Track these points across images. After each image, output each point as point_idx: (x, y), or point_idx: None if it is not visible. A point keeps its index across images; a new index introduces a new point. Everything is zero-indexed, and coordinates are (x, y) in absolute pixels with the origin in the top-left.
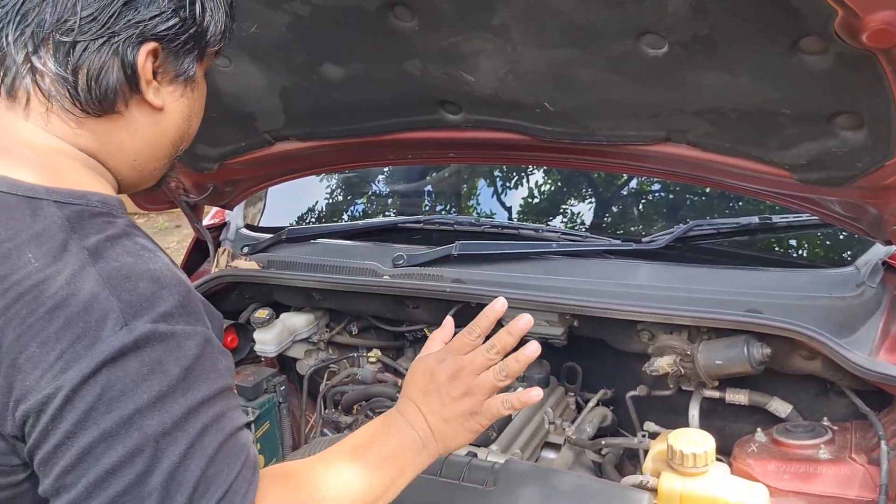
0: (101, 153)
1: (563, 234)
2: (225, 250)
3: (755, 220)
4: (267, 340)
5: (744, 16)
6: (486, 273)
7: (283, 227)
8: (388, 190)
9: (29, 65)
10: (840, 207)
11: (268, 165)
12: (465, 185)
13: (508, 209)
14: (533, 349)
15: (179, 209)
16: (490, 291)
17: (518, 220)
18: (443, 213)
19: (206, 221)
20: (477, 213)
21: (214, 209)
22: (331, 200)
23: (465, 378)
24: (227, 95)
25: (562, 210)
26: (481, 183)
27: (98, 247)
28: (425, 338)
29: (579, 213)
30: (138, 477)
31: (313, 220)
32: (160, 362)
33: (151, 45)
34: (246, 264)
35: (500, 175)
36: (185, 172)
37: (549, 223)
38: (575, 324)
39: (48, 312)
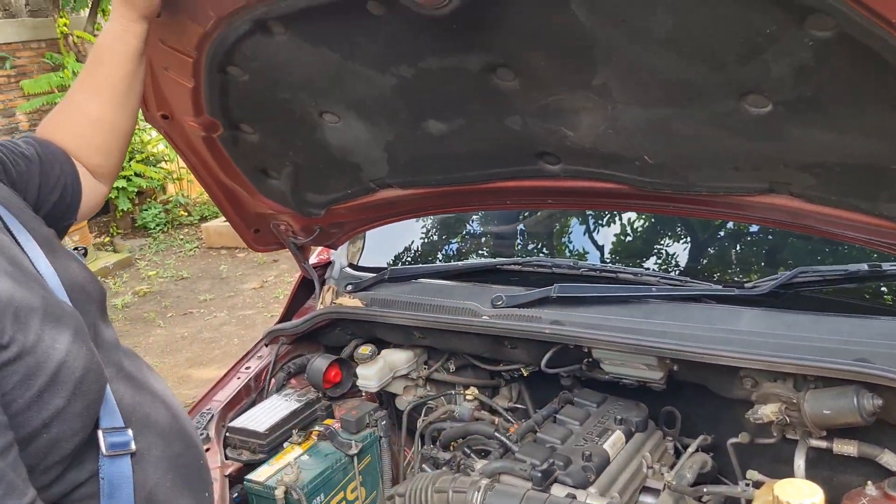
0: None
1: (663, 278)
2: (330, 288)
3: (864, 267)
4: (369, 376)
5: (849, 78)
6: (585, 315)
7: (383, 266)
8: (482, 230)
9: None
10: None
11: (371, 210)
12: (557, 224)
13: (601, 248)
14: None
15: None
16: (589, 334)
17: (612, 260)
18: (536, 251)
19: (312, 260)
20: (569, 251)
21: (319, 248)
22: (426, 240)
23: None
24: (335, 148)
25: (656, 251)
26: (574, 222)
27: None
28: (522, 377)
29: (674, 254)
30: None
31: (410, 259)
32: None
33: None
34: (350, 302)
35: (593, 213)
36: (293, 217)
37: (644, 264)
38: (675, 368)
39: None
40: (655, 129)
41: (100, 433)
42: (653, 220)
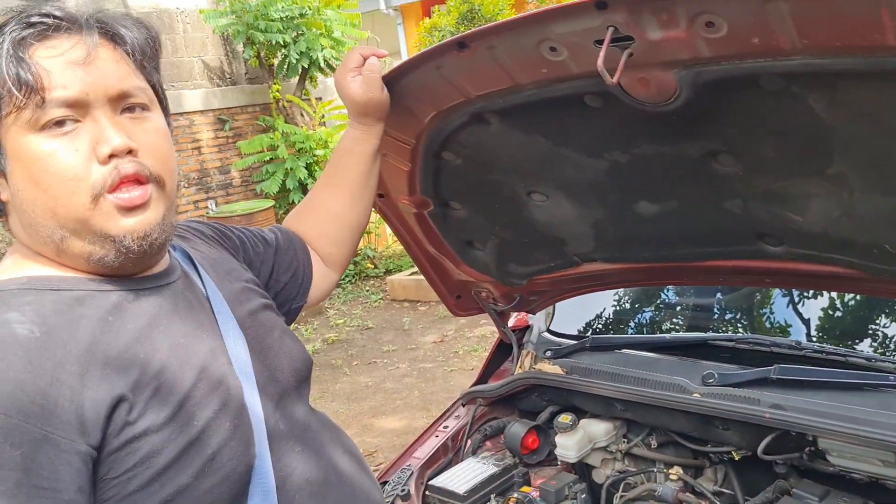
0: (26, 244)
1: None
2: (529, 353)
3: None
4: (568, 446)
5: None
6: (810, 401)
7: (575, 333)
8: (678, 301)
9: None
10: None
11: (573, 281)
12: (758, 295)
13: (807, 323)
14: None
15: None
16: (815, 422)
17: (819, 339)
18: (734, 322)
19: (510, 323)
20: (771, 324)
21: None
22: (619, 307)
23: None
24: (541, 224)
25: (873, 331)
26: (776, 293)
27: None
28: (732, 460)
29: (894, 336)
30: None
31: (601, 326)
32: None
33: None
34: (550, 368)
35: (807, 295)
36: (495, 285)
37: (859, 346)
38: None
39: None
40: None
41: None
42: (881, 305)
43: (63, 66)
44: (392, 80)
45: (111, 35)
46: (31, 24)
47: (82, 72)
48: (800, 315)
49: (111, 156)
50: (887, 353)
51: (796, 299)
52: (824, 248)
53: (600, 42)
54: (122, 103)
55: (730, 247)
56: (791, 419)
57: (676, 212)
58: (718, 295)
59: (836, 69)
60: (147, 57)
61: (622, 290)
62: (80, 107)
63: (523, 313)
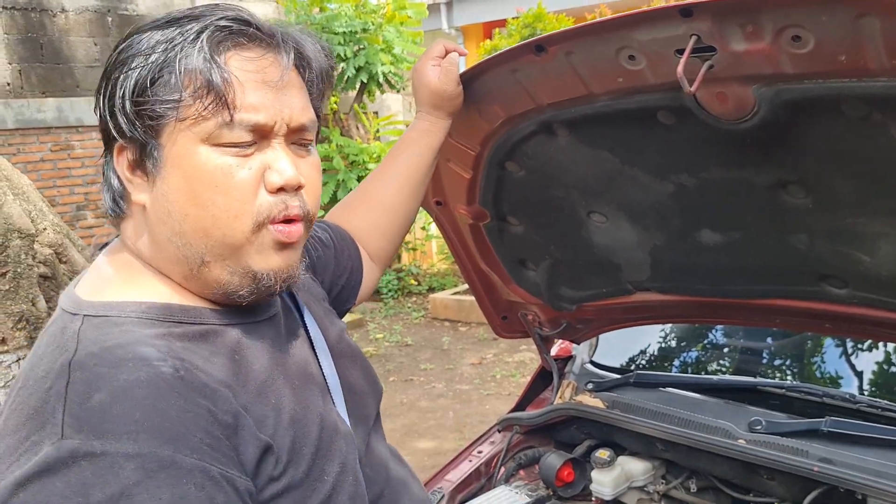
0: (142, 257)
1: None
2: (570, 384)
3: None
4: (605, 482)
5: None
6: (861, 457)
7: (618, 366)
8: (727, 342)
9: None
10: None
11: (623, 311)
12: (809, 343)
13: (860, 375)
14: None
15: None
16: (866, 479)
17: (871, 392)
18: (783, 368)
19: (553, 351)
20: (821, 373)
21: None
22: (665, 345)
23: None
24: (598, 247)
25: None
26: (828, 342)
27: (85, 357)
28: None
29: None
30: None
31: (645, 362)
32: (84, 486)
33: (120, 142)
34: (591, 401)
35: (862, 348)
36: (542, 308)
37: None
38: None
39: (14, 413)
40: None
41: None
42: None
43: (256, 84)
44: (467, 79)
45: (300, 58)
46: (229, 28)
47: (273, 96)
48: (853, 367)
49: (280, 188)
50: None
51: (850, 350)
52: (891, 294)
53: (681, 52)
54: (296, 136)
55: (791, 286)
56: (841, 475)
57: (738, 244)
58: (769, 339)
59: None
60: (324, 88)
61: (669, 326)
62: (262, 132)
63: (566, 342)
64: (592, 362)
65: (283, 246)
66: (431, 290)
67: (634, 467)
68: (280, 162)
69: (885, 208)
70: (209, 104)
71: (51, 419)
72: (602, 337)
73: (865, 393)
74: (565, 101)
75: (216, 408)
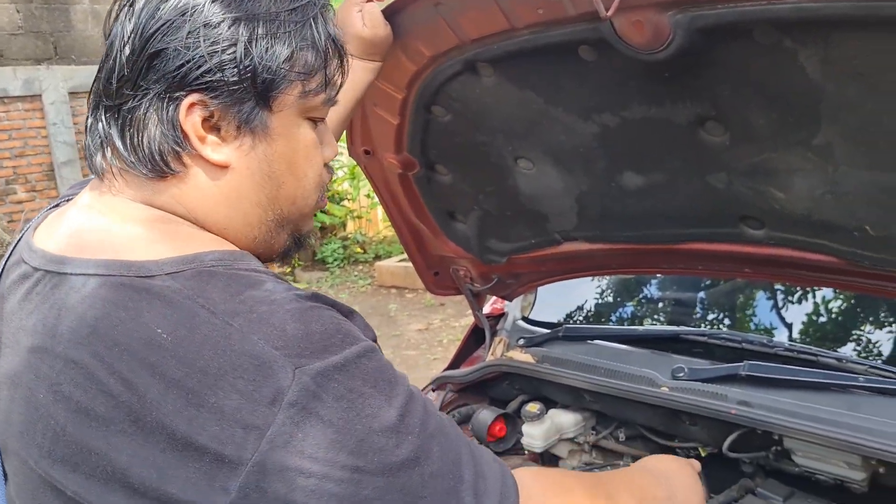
0: (191, 216)
1: (873, 367)
2: (501, 340)
3: None
4: (535, 435)
5: None
6: (777, 399)
7: (555, 322)
8: (659, 296)
9: (98, 137)
10: None
11: (552, 263)
12: (741, 296)
13: (789, 328)
14: None
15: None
16: (781, 420)
17: (802, 341)
18: (717, 323)
19: (485, 310)
20: (755, 325)
21: (493, 298)
22: (600, 300)
23: None
24: (525, 196)
25: (857, 336)
26: (761, 295)
27: (222, 305)
28: (698, 456)
29: (878, 342)
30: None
31: (581, 318)
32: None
33: (193, 97)
34: (521, 356)
35: (783, 288)
36: (473, 263)
37: (841, 350)
38: (881, 470)
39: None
40: (884, 197)
41: None
42: (853, 300)
43: None
44: (389, 15)
45: None
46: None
47: None
48: (773, 313)
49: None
50: (859, 355)
51: (769, 297)
52: (806, 232)
53: None
54: None
55: (711, 228)
56: (757, 416)
57: (660, 187)
58: (694, 291)
59: (828, 14)
60: None
61: (602, 282)
62: None
63: (500, 301)
64: (524, 318)
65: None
66: (378, 257)
67: (564, 419)
68: (329, 136)
69: (799, 141)
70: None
71: (256, 360)
72: (538, 296)
73: (784, 338)
74: (488, 36)
75: None
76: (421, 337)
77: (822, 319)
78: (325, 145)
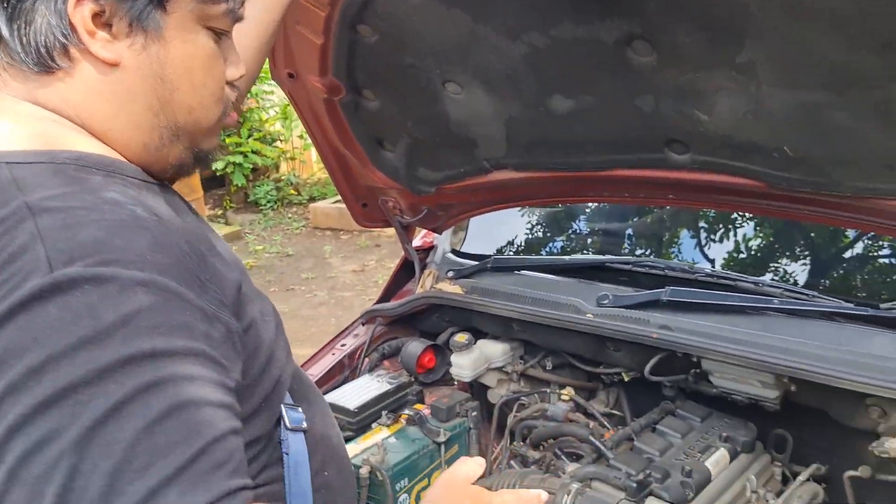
0: (77, 117)
1: (787, 290)
2: (431, 272)
3: None
4: (464, 365)
5: None
6: (697, 323)
7: (485, 255)
8: (588, 229)
9: None
10: None
11: (481, 192)
12: (667, 232)
13: (712, 262)
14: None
15: (382, 231)
16: (700, 342)
17: (717, 265)
18: (643, 255)
19: (415, 243)
20: (679, 258)
21: (423, 232)
22: (531, 235)
23: None
24: (454, 122)
25: (775, 267)
26: (685, 232)
27: (43, 202)
28: (621, 382)
29: (793, 272)
30: (46, 436)
31: (512, 251)
32: (91, 307)
33: None
34: (450, 288)
35: (706, 226)
36: (402, 193)
37: (762, 276)
38: (792, 388)
39: None
40: (803, 117)
41: (282, 408)
42: (772, 236)
43: None
44: None
45: None
46: None
47: None
48: (700, 245)
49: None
50: (776, 279)
51: (698, 231)
52: (728, 155)
53: None
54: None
55: (637, 153)
56: (677, 340)
57: (589, 110)
58: (626, 225)
59: None
60: None
61: (532, 217)
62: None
63: (430, 234)
64: (454, 251)
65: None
66: (312, 199)
67: (493, 349)
68: (234, 54)
69: (724, 60)
70: None
71: (26, 256)
72: (470, 230)
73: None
74: None
75: (196, 251)
76: (356, 278)
77: (742, 249)
78: (229, 63)
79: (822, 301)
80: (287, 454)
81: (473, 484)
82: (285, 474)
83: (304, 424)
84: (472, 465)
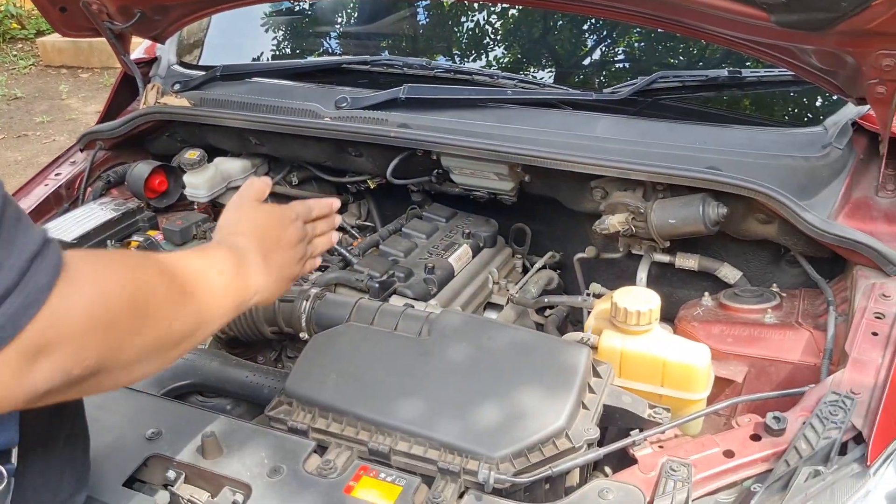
0: None
1: (520, 81)
2: (154, 86)
3: (724, 73)
4: (198, 184)
5: None
6: (435, 119)
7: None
8: (335, 32)
9: None
10: (816, 59)
11: None
12: (416, 31)
13: (457, 57)
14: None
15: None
16: (438, 137)
17: (461, 56)
18: (374, 49)
19: (136, 55)
20: (426, 46)
21: (146, 44)
22: (277, 42)
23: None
24: None
25: (517, 59)
26: (432, 31)
27: None
28: (369, 191)
29: (535, 62)
30: None
31: (254, 59)
32: None
33: None
34: (176, 101)
35: (452, 20)
36: None
37: (500, 65)
38: (526, 178)
39: None
40: None
41: None
42: (511, 25)
43: None
44: None
45: None
46: None
47: None
48: (451, 52)
49: None
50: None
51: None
52: None
53: None
54: None
55: None
56: (415, 136)
57: None
58: (364, 26)
59: None
60: None
61: (282, 23)
62: None
63: (152, 43)
64: (181, 63)
65: None
66: (40, 33)
67: (231, 166)
68: None
69: None
70: None
71: None
72: (208, 42)
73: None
74: None
75: None
76: None
77: (485, 42)
78: None
79: (552, 90)
80: None
81: None
82: None
83: None
84: (259, 185)
